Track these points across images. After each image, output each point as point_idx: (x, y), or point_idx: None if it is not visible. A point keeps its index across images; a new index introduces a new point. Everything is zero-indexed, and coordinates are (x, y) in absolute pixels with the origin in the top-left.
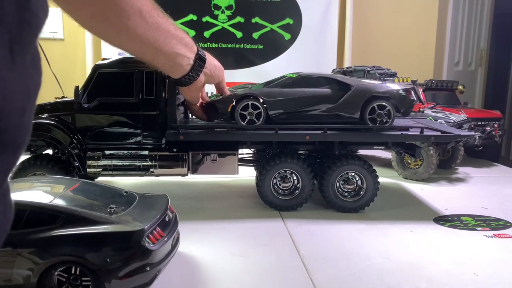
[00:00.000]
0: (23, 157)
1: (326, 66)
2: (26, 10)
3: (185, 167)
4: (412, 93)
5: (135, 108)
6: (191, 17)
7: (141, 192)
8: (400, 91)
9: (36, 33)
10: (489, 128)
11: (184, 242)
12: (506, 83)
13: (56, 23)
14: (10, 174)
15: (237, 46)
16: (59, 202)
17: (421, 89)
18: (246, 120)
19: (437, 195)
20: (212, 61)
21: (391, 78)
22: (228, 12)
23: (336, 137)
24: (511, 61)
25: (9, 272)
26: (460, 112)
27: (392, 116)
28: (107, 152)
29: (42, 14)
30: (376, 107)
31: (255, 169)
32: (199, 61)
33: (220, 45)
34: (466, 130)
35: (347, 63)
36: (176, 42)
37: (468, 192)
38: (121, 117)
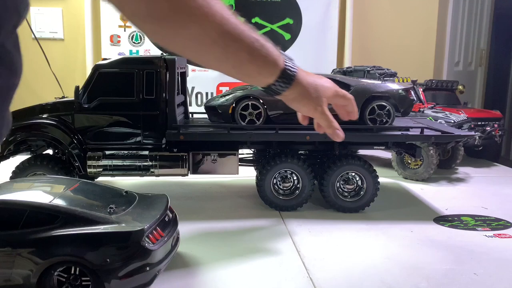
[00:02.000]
0: (23, 157)
1: (326, 66)
2: None
3: (185, 167)
4: (412, 93)
5: (135, 108)
6: None
7: (141, 192)
8: (400, 91)
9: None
10: (489, 128)
11: (184, 242)
12: (506, 83)
13: (56, 23)
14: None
15: None
16: (59, 202)
17: (421, 89)
18: (247, 120)
19: (437, 195)
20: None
21: (391, 78)
22: None
23: None
24: (511, 61)
25: (9, 272)
26: (460, 112)
27: (392, 116)
28: (107, 152)
29: (4, 10)
30: (376, 107)
31: (255, 169)
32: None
33: None
34: (466, 130)
35: (347, 63)
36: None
37: (468, 192)
38: (121, 117)
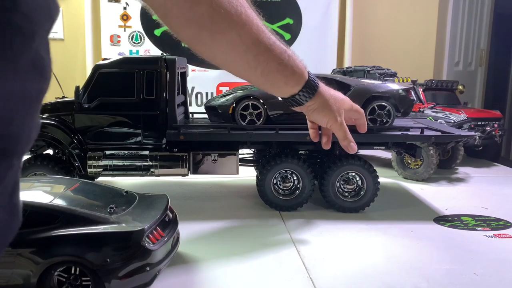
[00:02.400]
0: (24, 157)
1: (326, 66)
2: (12, 13)
3: (185, 167)
4: (412, 93)
5: (135, 108)
6: None
7: (141, 192)
8: (400, 91)
9: (31, 37)
10: (489, 128)
11: (184, 242)
12: (506, 83)
13: (56, 23)
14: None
15: None
16: (59, 202)
17: (421, 89)
18: (247, 120)
19: (437, 195)
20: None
21: (391, 78)
22: None
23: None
24: (511, 61)
25: (9, 272)
26: (460, 112)
27: (392, 116)
28: (107, 152)
29: (38, 16)
30: (376, 107)
31: (256, 169)
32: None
33: None
34: (466, 130)
35: (347, 63)
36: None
37: (468, 192)
38: (121, 117)
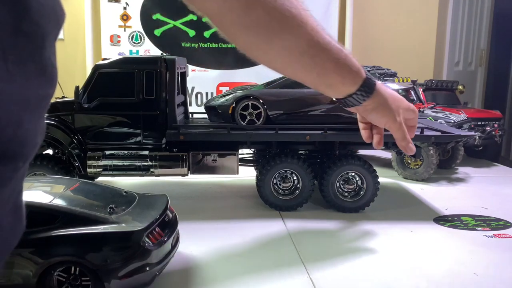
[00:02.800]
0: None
1: None
2: (23, 19)
3: (185, 167)
4: (412, 93)
5: (135, 108)
6: (191, 17)
7: (141, 192)
8: (400, 91)
9: (41, 42)
10: (489, 128)
11: (184, 242)
12: (506, 83)
13: None
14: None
15: None
16: (59, 202)
17: (421, 89)
18: (247, 120)
19: (437, 195)
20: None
21: (391, 78)
22: None
23: (336, 137)
24: (511, 61)
25: (9, 272)
26: (460, 112)
27: None
28: (107, 152)
29: (48, 22)
30: None
31: (255, 169)
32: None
33: (220, 45)
34: (466, 130)
35: None
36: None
37: (468, 192)
38: (121, 117)
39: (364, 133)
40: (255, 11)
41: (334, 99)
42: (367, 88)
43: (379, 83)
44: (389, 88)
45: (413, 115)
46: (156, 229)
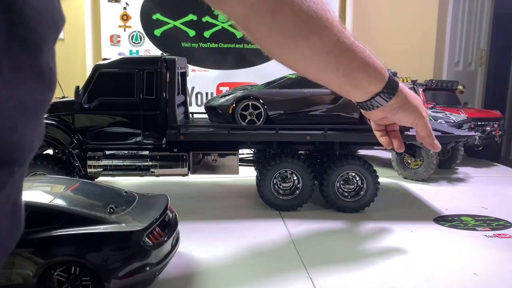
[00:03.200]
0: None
1: None
2: (18, 25)
3: (185, 167)
4: None
5: (135, 108)
6: (191, 17)
7: (141, 192)
8: None
9: (38, 48)
10: (489, 128)
11: (184, 242)
12: (506, 83)
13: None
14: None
15: (237, 46)
16: (59, 202)
17: (421, 89)
18: (247, 120)
19: (437, 195)
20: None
21: None
22: None
23: (336, 137)
24: (511, 61)
25: (8, 272)
26: (460, 112)
27: None
28: (107, 152)
29: (45, 27)
30: None
31: (256, 169)
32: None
33: (220, 45)
34: (466, 130)
35: None
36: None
37: (468, 192)
38: (121, 117)
39: (383, 140)
40: (282, 13)
41: (356, 104)
42: (392, 86)
43: (400, 82)
44: (406, 87)
45: (428, 116)
46: (156, 229)
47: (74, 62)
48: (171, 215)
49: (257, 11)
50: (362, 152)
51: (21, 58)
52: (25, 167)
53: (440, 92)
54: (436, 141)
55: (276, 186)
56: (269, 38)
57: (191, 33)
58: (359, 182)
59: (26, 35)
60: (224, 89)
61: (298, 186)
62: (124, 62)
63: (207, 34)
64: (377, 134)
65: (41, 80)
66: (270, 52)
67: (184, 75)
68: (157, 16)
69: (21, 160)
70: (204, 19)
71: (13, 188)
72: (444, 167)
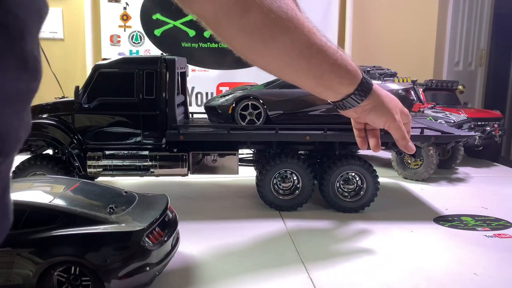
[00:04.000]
0: (23, 157)
1: None
2: None
3: (185, 167)
4: (412, 93)
5: (135, 108)
6: (191, 17)
7: (141, 192)
8: (400, 91)
9: (20, 34)
10: (489, 128)
11: (184, 242)
12: (506, 83)
13: (56, 23)
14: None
15: None
16: (59, 202)
17: (421, 89)
18: (246, 120)
19: (437, 195)
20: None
21: (391, 78)
22: None
23: (336, 137)
24: (511, 61)
25: (8, 272)
26: (460, 112)
27: None
28: (107, 152)
29: (27, 14)
30: None
31: (255, 169)
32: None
33: (220, 45)
34: (466, 130)
35: None
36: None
37: (468, 192)
38: (121, 117)
39: (359, 141)
40: (252, 14)
41: (331, 103)
42: (365, 88)
43: (375, 83)
44: (383, 89)
45: (407, 119)
46: (156, 229)
47: (74, 62)
48: (171, 215)
49: (227, 11)
50: (362, 152)
51: (2, 45)
52: (11, 159)
53: (440, 92)
54: (411, 144)
55: (276, 186)
56: (239, 38)
57: (191, 33)
58: (359, 182)
59: (7, 21)
60: (224, 89)
61: (298, 186)
62: (124, 62)
63: (207, 34)
64: (355, 132)
65: (25, 69)
66: (241, 53)
67: (184, 75)
68: (157, 16)
69: (6, 151)
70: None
71: (1, 181)
72: (444, 167)
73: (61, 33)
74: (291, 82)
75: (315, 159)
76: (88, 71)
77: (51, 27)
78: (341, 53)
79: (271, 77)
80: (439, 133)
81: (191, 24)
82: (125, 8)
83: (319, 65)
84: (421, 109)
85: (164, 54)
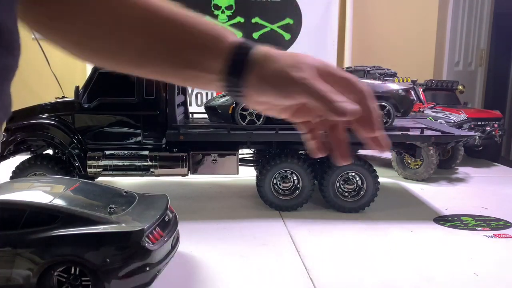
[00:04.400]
0: (23, 157)
1: None
2: None
3: (185, 167)
4: (412, 93)
5: (135, 108)
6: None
7: (141, 192)
8: (400, 91)
9: None
10: (489, 128)
11: (184, 242)
12: (506, 83)
13: None
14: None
15: None
16: (59, 202)
17: (421, 89)
18: (247, 120)
19: (437, 195)
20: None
21: (391, 78)
22: (228, 12)
23: None
24: (511, 61)
25: (9, 272)
26: (460, 112)
27: (392, 116)
28: (107, 152)
29: None
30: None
31: (255, 169)
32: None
33: None
34: (466, 130)
35: (347, 63)
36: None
37: (468, 192)
38: (121, 117)
39: (310, 145)
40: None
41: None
42: (238, 57)
43: (265, 52)
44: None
45: (346, 82)
46: (156, 229)
47: (74, 62)
48: (171, 215)
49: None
50: (362, 152)
51: None
52: None
53: (440, 92)
54: (348, 105)
55: (276, 186)
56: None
57: None
58: (359, 182)
59: None
60: None
61: (298, 186)
62: None
63: None
64: (306, 136)
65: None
66: (42, 31)
67: None
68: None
69: None
70: None
71: None
72: (444, 167)
73: None
74: (155, 77)
75: (315, 159)
76: (88, 71)
77: None
78: (200, 18)
79: None
80: (439, 133)
81: None
82: None
83: (169, 42)
84: (421, 109)
85: None
